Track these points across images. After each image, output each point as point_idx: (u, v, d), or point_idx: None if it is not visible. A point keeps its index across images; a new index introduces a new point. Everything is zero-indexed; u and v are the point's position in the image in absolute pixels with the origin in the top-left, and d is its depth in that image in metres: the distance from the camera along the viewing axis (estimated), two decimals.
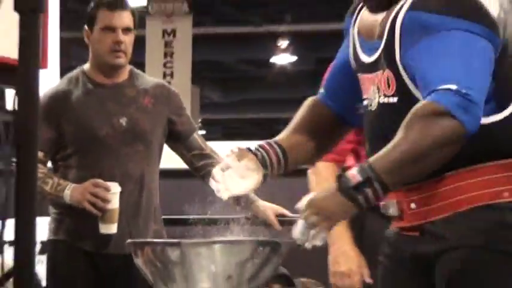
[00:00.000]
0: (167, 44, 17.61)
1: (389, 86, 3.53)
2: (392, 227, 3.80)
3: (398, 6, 3.56)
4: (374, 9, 3.69)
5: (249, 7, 20.80)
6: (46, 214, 5.96)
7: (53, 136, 5.70)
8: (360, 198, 3.29)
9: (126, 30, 5.85)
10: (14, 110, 3.11)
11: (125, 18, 5.88)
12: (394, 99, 3.51)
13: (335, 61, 4.04)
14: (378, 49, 3.64)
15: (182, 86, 16.87)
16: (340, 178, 3.36)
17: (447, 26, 3.37)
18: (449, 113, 3.11)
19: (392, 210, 3.66)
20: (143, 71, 7.10)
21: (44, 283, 6.29)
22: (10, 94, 3.81)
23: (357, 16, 3.81)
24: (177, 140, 6.00)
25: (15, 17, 3.15)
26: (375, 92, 3.68)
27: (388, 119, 3.51)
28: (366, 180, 3.24)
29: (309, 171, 5.41)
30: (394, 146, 3.29)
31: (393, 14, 3.58)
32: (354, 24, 3.82)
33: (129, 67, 5.98)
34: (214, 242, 4.04)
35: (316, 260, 5.10)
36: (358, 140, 5.02)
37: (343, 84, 3.87)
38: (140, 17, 6.74)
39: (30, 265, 3.18)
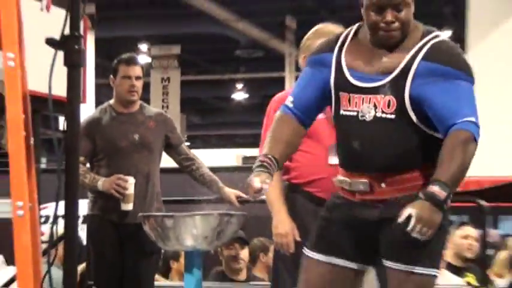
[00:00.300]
0: (164, 87, 18.46)
1: (389, 106, 3.71)
2: (357, 198, 3.80)
3: (410, 55, 3.73)
4: (386, 48, 3.77)
5: (218, 62, 21.53)
6: (85, 197, 6.07)
7: (90, 147, 6.04)
8: (445, 207, 3.59)
9: (138, 78, 6.24)
10: (64, 130, 3.46)
11: (137, 70, 6.28)
12: (392, 116, 3.70)
13: (304, 83, 3.95)
14: (381, 80, 3.73)
15: (174, 114, 17.26)
16: (431, 196, 3.50)
17: (457, 76, 3.65)
18: (474, 138, 3.53)
19: (364, 187, 3.77)
20: (148, 104, 7.19)
21: (84, 243, 6.50)
22: (62, 119, 3.57)
23: (340, 52, 3.81)
24: (171, 148, 6.32)
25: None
26: (370, 108, 3.76)
27: (384, 128, 3.68)
28: (448, 194, 3.50)
29: None
30: (451, 163, 3.58)
31: (406, 60, 3.73)
32: (339, 57, 3.82)
33: (139, 102, 6.32)
34: (196, 214, 4.54)
35: (265, 226, 5.20)
36: None
37: (314, 99, 3.89)
38: (146, 69, 6.54)
39: (75, 231, 3.54)
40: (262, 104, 20.09)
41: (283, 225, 4.96)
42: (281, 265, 5.16)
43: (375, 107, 3.73)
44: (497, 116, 10.88)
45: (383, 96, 3.72)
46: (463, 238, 7.18)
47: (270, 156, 3.73)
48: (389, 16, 3.63)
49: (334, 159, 4.83)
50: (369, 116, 3.72)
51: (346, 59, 3.78)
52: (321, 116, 4.66)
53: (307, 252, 3.90)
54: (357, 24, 3.88)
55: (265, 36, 18.95)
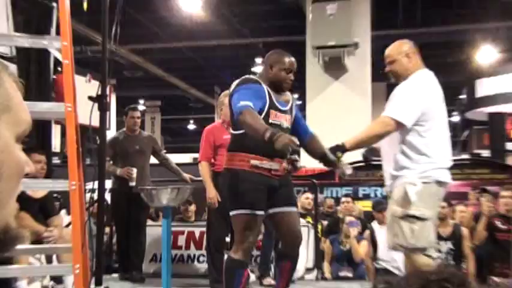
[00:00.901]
0: (152, 122, 18.98)
1: (289, 121, 3.88)
2: (272, 173, 3.77)
3: (291, 99, 3.93)
4: (283, 91, 3.89)
5: (180, 109, 22.22)
6: (109, 178, 6.21)
7: (112, 152, 6.25)
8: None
9: (138, 117, 6.53)
10: (97, 144, 3.74)
11: (137, 114, 6.58)
12: (289, 125, 3.86)
13: (254, 100, 3.65)
14: (287, 106, 3.86)
15: (157, 136, 17.84)
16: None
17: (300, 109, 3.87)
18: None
19: (277, 167, 3.76)
20: (144, 130, 7.55)
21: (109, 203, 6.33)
22: (95, 138, 3.84)
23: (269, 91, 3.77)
24: (155, 153, 6.56)
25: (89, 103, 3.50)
26: (284, 121, 3.83)
27: (288, 132, 3.70)
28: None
29: (201, 164, 5.40)
30: (318, 143, 3.79)
31: (291, 101, 3.92)
32: (269, 93, 3.78)
33: (139, 129, 6.56)
34: (168, 187, 4.55)
35: (203, 194, 5.37)
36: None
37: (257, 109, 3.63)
38: (142, 113, 6.85)
39: (103, 197, 3.74)
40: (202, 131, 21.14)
41: (211, 192, 5.18)
42: (212, 214, 5.39)
43: (286, 120, 3.87)
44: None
45: (289, 115, 3.93)
46: (305, 199, 7.47)
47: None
48: (292, 76, 3.88)
49: None
50: (285, 125, 3.86)
51: (273, 94, 3.82)
52: (228, 136, 4.75)
53: (250, 211, 3.75)
54: (255, 77, 3.94)
55: (204, 95, 20.04)
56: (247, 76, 3.93)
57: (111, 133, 7.46)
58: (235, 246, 3.82)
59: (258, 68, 16.43)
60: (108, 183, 6.32)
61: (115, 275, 6.39)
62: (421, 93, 3.61)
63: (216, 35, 13.51)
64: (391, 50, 3.81)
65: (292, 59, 3.90)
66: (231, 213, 3.81)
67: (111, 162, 6.31)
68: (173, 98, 19.83)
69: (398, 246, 3.56)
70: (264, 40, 14.09)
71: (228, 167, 3.85)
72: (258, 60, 16.16)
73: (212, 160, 5.41)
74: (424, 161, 3.55)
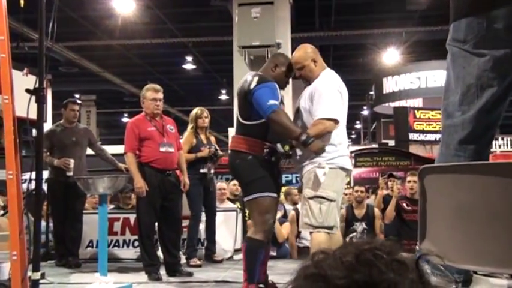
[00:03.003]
0: (88, 116, 18.65)
1: None
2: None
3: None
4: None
5: (116, 103, 21.22)
6: (46, 169, 6.07)
7: (49, 144, 6.05)
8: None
9: (77, 110, 6.38)
10: (34, 136, 3.60)
11: (77, 107, 6.42)
12: None
13: (276, 94, 3.67)
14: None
15: (93, 128, 17.50)
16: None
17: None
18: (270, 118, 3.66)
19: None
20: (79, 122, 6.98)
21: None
22: (34, 130, 3.72)
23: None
24: (91, 145, 6.38)
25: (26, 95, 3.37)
26: None
27: None
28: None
29: (127, 155, 5.17)
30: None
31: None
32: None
33: (76, 122, 6.38)
34: (103, 176, 4.45)
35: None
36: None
37: None
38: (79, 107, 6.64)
39: (40, 186, 3.52)
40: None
41: (139, 182, 5.02)
42: (141, 202, 5.20)
43: None
44: None
45: None
46: (233, 185, 7.31)
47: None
48: (289, 80, 3.96)
49: (163, 149, 5.11)
50: None
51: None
52: (152, 128, 5.10)
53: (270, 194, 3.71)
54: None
55: (138, 90, 19.71)
56: (258, 72, 3.89)
57: (47, 126, 7.08)
58: (256, 227, 3.71)
59: (188, 66, 16.25)
60: (45, 174, 6.23)
61: (51, 262, 6.18)
62: (336, 91, 3.66)
63: (148, 34, 13.24)
64: (298, 57, 3.78)
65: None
66: (251, 196, 3.71)
67: (48, 153, 6.12)
68: (108, 92, 19.24)
69: (308, 226, 3.55)
70: (193, 40, 13.97)
71: (242, 150, 3.77)
72: (189, 58, 15.98)
73: (137, 152, 5.21)
74: (331, 150, 3.56)
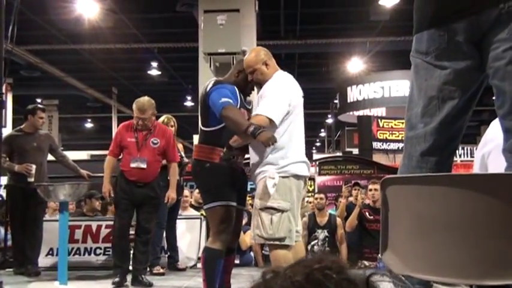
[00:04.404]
0: (50, 121, 18.05)
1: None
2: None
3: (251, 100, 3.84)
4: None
5: (78, 108, 21.13)
6: (5, 175, 6.14)
7: (9, 149, 5.94)
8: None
9: (44, 118, 6.32)
10: None
11: (44, 114, 6.37)
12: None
13: (231, 94, 3.62)
14: (250, 106, 3.82)
15: (55, 134, 17.10)
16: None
17: None
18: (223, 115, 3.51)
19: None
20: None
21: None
22: None
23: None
24: (53, 151, 6.26)
25: None
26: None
27: None
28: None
29: (107, 157, 5.20)
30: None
31: (252, 102, 3.83)
32: (239, 93, 3.72)
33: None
34: (65, 183, 4.55)
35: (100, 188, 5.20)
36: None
37: None
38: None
39: None
40: (100, 129, 19.88)
41: (105, 186, 5.07)
42: (116, 205, 5.23)
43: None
44: None
45: (250, 113, 3.78)
46: (198, 193, 7.01)
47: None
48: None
49: (134, 164, 5.12)
50: None
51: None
52: (132, 139, 5.10)
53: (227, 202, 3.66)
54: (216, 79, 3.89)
55: (102, 96, 19.35)
56: (218, 78, 3.89)
57: (7, 131, 7.02)
58: (213, 237, 3.67)
59: (153, 71, 16.14)
60: (4, 180, 6.30)
61: (10, 270, 6.05)
62: (285, 93, 3.55)
63: (113, 39, 13.08)
64: (249, 61, 3.71)
65: None
66: (208, 205, 3.67)
67: (7, 159, 5.98)
68: (71, 97, 18.92)
69: (258, 238, 3.48)
70: (159, 45, 13.88)
71: (201, 158, 3.72)
72: (154, 63, 15.87)
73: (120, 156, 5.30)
74: (282, 157, 3.48)
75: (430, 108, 2.00)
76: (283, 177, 3.45)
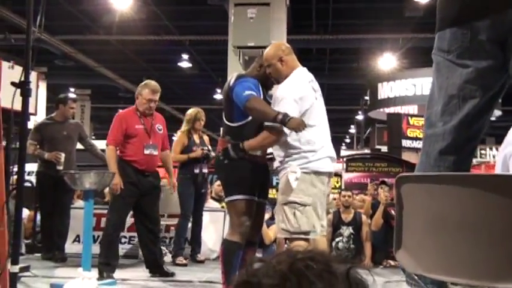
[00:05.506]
0: (82, 110, 18.62)
1: None
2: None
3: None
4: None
5: (110, 98, 20.97)
6: (35, 162, 6.32)
7: (39, 138, 6.09)
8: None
9: (73, 108, 6.38)
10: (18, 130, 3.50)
11: (74, 104, 6.42)
12: None
13: (254, 86, 3.63)
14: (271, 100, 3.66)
15: (86, 124, 17.79)
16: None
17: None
18: None
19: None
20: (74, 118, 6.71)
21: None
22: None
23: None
24: (82, 140, 6.36)
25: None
26: None
27: None
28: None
29: (109, 147, 4.98)
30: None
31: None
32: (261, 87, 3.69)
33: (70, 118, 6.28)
34: (90, 171, 4.44)
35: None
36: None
37: None
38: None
39: (23, 179, 3.86)
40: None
41: (116, 178, 4.86)
42: (115, 198, 5.05)
43: None
44: None
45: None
46: (218, 185, 7.21)
47: None
48: None
49: (147, 151, 5.03)
50: None
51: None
52: (140, 126, 4.97)
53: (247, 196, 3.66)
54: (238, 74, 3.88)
55: (133, 86, 19.65)
56: (240, 72, 3.88)
57: (39, 119, 7.16)
58: (232, 229, 3.70)
59: (183, 64, 16.25)
60: (34, 167, 6.46)
61: (38, 255, 6.20)
62: (298, 94, 3.54)
63: (145, 30, 13.23)
64: (267, 55, 3.71)
65: None
66: (229, 198, 3.70)
67: (38, 146, 6.12)
68: (103, 87, 19.18)
69: (284, 232, 3.51)
70: (190, 38, 13.97)
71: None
72: (185, 56, 15.97)
73: (120, 147, 5.09)
74: (304, 153, 3.49)
75: (451, 106, 1.97)
76: (304, 173, 3.47)
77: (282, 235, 3.65)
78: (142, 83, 5.17)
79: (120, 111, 5.30)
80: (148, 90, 5.05)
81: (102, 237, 5.18)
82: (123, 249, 6.38)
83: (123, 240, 6.48)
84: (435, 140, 2.02)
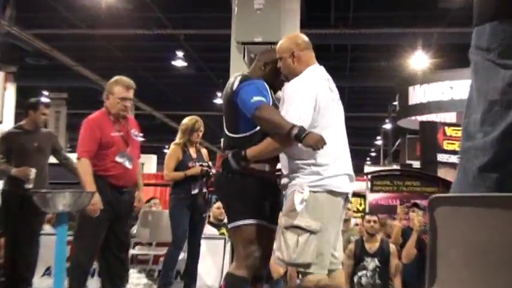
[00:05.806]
0: (57, 117, 18.73)
1: None
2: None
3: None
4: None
5: (88, 102, 21.49)
6: (0, 179, 6.38)
7: (5, 150, 6.11)
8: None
9: (45, 114, 6.38)
10: None
11: (48, 110, 6.54)
12: None
13: (263, 90, 3.66)
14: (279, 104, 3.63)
15: (61, 133, 17.84)
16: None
17: None
18: None
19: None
20: (46, 126, 7.03)
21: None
22: None
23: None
24: (56, 152, 6.41)
25: None
26: None
27: None
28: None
29: (81, 160, 4.88)
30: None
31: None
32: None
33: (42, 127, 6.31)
34: (65, 191, 4.41)
35: None
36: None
37: None
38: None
39: None
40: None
41: (97, 199, 4.82)
42: (88, 221, 4.91)
43: None
44: None
45: None
46: (217, 208, 7.44)
47: None
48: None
49: (124, 163, 4.95)
50: None
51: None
52: (116, 133, 4.90)
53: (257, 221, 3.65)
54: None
55: None
56: (244, 73, 3.86)
57: (6, 127, 7.32)
58: (238, 262, 3.67)
59: (178, 62, 16.31)
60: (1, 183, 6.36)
61: None
62: (313, 89, 3.53)
63: (132, 23, 13.29)
64: (279, 47, 3.72)
65: None
66: (232, 224, 3.65)
67: (4, 160, 6.16)
68: (82, 90, 19.23)
69: (278, 261, 3.48)
70: (186, 32, 14.01)
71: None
72: (179, 53, 16.02)
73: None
74: (315, 167, 3.46)
75: (492, 114, 1.92)
76: (315, 192, 3.40)
77: (279, 264, 3.67)
78: (112, 80, 5.09)
79: (89, 116, 5.17)
80: (120, 87, 5.02)
81: (71, 269, 5.01)
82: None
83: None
84: (474, 154, 1.97)
